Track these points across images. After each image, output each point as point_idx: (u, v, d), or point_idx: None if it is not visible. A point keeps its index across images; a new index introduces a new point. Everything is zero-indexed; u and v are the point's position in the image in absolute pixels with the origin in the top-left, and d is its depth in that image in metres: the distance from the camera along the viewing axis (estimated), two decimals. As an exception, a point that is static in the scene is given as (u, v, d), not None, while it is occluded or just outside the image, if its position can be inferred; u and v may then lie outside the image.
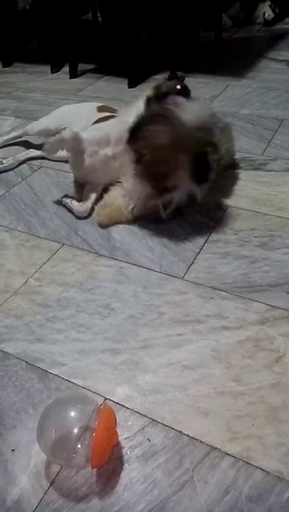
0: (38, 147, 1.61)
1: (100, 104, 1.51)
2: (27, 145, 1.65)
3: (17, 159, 1.58)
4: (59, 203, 1.32)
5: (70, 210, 1.29)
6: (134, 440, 0.75)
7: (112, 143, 1.26)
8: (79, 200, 1.29)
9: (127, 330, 0.94)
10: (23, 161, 1.59)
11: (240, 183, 1.37)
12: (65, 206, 1.31)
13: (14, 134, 1.67)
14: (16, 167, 1.56)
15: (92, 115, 1.41)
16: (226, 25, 2.79)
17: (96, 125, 1.34)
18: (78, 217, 1.27)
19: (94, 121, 1.37)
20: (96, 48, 2.59)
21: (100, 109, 1.46)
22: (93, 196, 1.30)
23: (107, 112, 1.41)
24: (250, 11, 2.90)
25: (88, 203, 1.28)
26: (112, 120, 1.34)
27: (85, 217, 1.27)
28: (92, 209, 1.28)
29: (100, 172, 1.29)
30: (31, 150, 1.61)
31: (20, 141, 1.68)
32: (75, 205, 1.28)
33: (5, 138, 1.67)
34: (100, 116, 1.39)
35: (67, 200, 1.30)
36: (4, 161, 1.56)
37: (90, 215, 1.28)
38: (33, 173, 1.50)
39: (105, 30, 2.64)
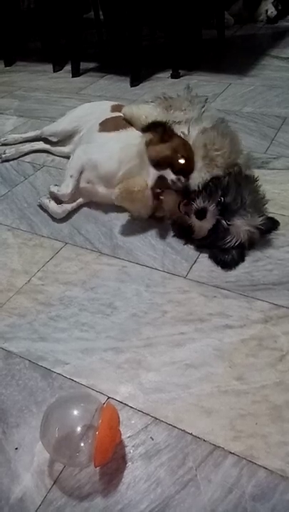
0: (43, 140, 1.61)
1: (114, 104, 1.51)
2: (32, 138, 1.66)
3: (20, 150, 1.59)
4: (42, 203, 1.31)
5: (46, 210, 1.28)
6: (137, 439, 0.74)
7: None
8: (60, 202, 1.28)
9: (129, 329, 0.93)
10: (26, 153, 1.59)
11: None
12: (40, 206, 1.31)
13: (32, 133, 1.66)
14: (18, 157, 1.57)
15: (103, 115, 1.42)
16: (229, 22, 2.79)
17: (101, 145, 1.31)
18: (54, 219, 1.26)
19: (102, 120, 1.38)
20: (98, 47, 2.59)
21: (114, 108, 1.46)
22: (78, 201, 1.29)
23: (118, 112, 1.41)
24: (253, 8, 2.89)
25: (67, 206, 1.27)
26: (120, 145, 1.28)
27: (62, 219, 1.26)
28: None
29: (96, 197, 1.29)
30: (36, 142, 1.62)
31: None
32: (52, 205, 1.26)
33: (24, 136, 1.67)
34: (109, 117, 1.40)
35: (45, 201, 1.28)
36: (7, 151, 1.57)
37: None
38: (35, 172, 1.50)
39: (107, 29, 2.64)
